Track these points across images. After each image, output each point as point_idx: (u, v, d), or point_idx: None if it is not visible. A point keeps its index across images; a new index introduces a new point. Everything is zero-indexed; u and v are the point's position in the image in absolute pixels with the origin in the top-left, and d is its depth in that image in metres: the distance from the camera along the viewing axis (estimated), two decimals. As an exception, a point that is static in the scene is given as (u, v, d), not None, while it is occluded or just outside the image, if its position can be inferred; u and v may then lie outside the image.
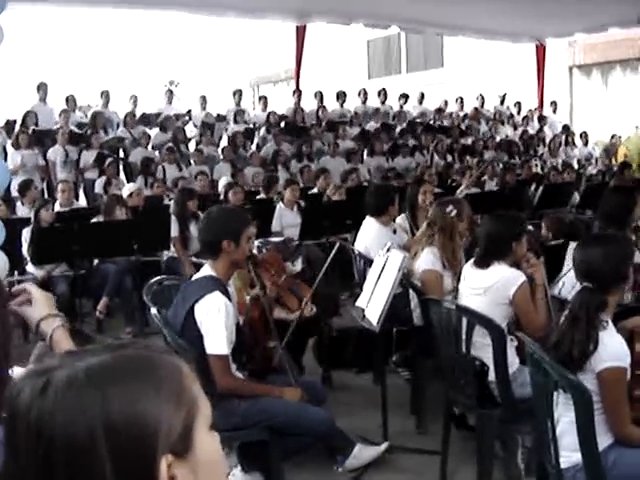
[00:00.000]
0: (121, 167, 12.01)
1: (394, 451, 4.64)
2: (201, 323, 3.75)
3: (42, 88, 12.90)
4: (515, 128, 17.82)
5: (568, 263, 4.59)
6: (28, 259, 7.50)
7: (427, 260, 4.97)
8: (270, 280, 4.80)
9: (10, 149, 11.43)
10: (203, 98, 14.70)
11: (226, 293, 3.87)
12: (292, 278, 5.27)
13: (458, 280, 4.66)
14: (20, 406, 1.03)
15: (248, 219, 4.04)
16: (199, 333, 3.76)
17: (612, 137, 17.60)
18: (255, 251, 5.04)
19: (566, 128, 18.18)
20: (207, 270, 3.95)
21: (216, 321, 3.73)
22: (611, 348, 2.96)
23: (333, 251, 4.82)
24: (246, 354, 4.08)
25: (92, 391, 1.02)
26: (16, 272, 7.42)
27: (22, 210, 9.07)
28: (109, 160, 11.28)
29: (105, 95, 13.75)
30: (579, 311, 3.07)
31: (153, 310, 4.14)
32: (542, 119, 18.11)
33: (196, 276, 4.00)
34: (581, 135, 17.53)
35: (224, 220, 3.99)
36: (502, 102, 18.41)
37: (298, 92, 15.30)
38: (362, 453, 4.45)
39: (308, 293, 4.97)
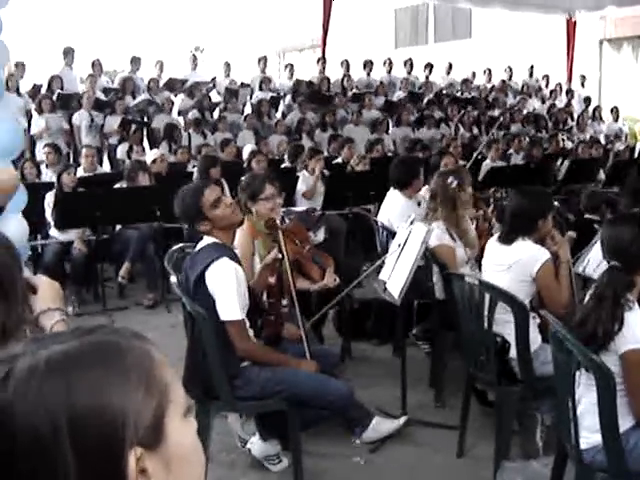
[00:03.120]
0: (144, 133, 12.00)
1: (412, 424, 4.64)
2: (212, 289, 3.75)
3: (69, 53, 12.88)
4: (543, 101, 17.61)
5: (595, 241, 4.54)
6: (52, 223, 7.53)
7: (435, 235, 4.87)
8: (294, 250, 4.79)
9: (34, 113, 11.43)
10: (227, 65, 14.63)
11: (235, 258, 3.86)
12: (316, 249, 5.26)
13: (472, 249, 4.63)
14: None
15: (200, 190, 3.86)
16: (212, 300, 3.75)
17: None
18: (278, 220, 5.03)
19: (587, 101, 17.93)
20: (209, 238, 3.90)
21: (226, 287, 3.73)
22: (636, 329, 2.92)
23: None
24: (261, 319, 4.09)
25: (54, 380, 0.96)
26: (39, 236, 7.46)
27: (47, 174, 9.10)
28: (134, 127, 11.26)
29: (135, 61, 13.70)
30: (605, 290, 3.02)
31: (173, 278, 4.13)
32: (569, 92, 17.88)
33: (200, 244, 3.95)
34: (611, 110, 17.28)
35: (182, 205, 3.93)
36: (531, 75, 18.19)
37: (323, 60, 15.16)
38: (380, 426, 4.45)
39: (331, 264, 4.97)
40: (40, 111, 11.30)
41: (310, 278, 4.97)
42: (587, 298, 3.16)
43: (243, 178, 5.12)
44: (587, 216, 6.63)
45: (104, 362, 1.00)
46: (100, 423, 0.96)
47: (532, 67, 18.18)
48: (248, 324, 3.89)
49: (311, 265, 4.95)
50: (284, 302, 4.24)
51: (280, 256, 4.19)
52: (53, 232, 7.60)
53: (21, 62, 12.34)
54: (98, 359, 1.00)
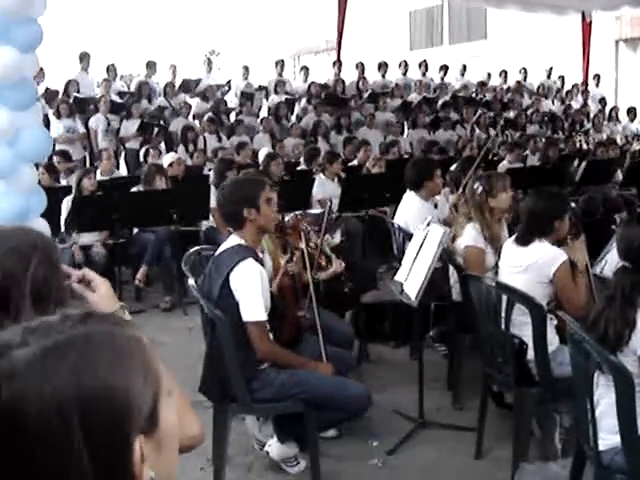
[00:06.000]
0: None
1: (429, 426, 4.63)
2: (236, 290, 3.76)
3: (84, 58, 12.92)
4: (562, 102, 17.51)
5: (612, 242, 4.52)
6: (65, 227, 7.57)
7: (469, 236, 4.91)
8: (298, 242, 4.82)
9: (52, 118, 11.47)
10: (245, 68, 14.63)
11: (259, 260, 3.88)
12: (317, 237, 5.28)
13: (499, 256, 4.60)
14: None
15: (262, 183, 4.01)
16: (235, 301, 3.77)
17: None
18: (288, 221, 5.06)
19: (603, 101, 17.83)
20: (235, 239, 3.93)
21: (252, 288, 3.75)
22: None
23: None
24: (278, 322, 4.10)
25: (61, 368, 0.96)
26: (57, 240, 7.49)
27: (65, 179, 9.13)
28: (157, 130, 11.29)
29: (151, 66, 13.69)
30: (614, 291, 3.02)
31: (191, 281, 4.14)
32: (585, 93, 17.77)
33: (225, 245, 3.98)
34: (628, 111, 17.17)
35: (238, 189, 3.99)
36: (549, 76, 18.06)
37: (339, 63, 15.16)
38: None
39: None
40: (58, 116, 11.37)
41: (321, 268, 5.01)
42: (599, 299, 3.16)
43: None
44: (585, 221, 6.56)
45: (105, 350, 1.00)
46: (109, 407, 0.96)
47: (551, 68, 18.07)
48: (267, 327, 3.90)
49: (319, 254, 4.98)
50: (303, 303, 4.26)
51: (295, 254, 4.23)
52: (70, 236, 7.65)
53: (40, 67, 12.37)
54: (100, 347, 1.00)
